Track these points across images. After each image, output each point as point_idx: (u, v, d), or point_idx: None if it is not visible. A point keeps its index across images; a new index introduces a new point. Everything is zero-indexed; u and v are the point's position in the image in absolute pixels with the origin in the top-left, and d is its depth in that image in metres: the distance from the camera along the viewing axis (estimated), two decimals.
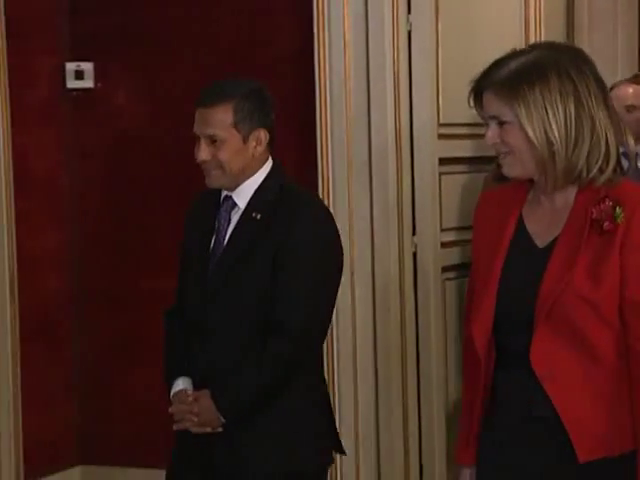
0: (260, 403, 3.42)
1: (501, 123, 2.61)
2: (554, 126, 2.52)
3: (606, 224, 2.55)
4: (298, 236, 3.39)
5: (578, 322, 2.57)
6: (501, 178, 3.08)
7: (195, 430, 3.39)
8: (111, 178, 5.49)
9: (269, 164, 3.45)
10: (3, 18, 5.03)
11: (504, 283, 2.65)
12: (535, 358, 2.59)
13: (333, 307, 3.57)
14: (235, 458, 3.42)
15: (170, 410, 3.40)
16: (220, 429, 3.39)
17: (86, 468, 5.72)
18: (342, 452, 3.63)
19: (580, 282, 2.54)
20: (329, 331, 4.43)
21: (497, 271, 2.66)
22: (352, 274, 4.76)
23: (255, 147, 3.40)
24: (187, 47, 5.23)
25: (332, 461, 3.60)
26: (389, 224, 4.86)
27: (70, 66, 5.36)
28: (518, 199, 2.71)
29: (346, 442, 3.83)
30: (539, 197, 2.66)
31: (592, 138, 2.54)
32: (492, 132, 2.62)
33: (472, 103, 2.67)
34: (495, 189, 2.87)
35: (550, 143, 2.53)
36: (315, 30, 4.83)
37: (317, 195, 4.08)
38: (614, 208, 2.56)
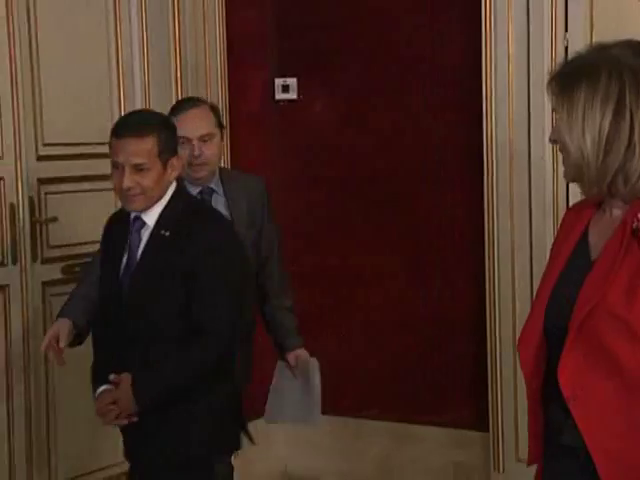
0: (174, 398, 3.39)
1: (558, 117, 2.32)
2: (587, 137, 2.22)
3: None
4: (206, 249, 3.39)
5: (609, 341, 2.21)
6: None
7: (117, 422, 3.41)
8: (308, 174, 5.69)
9: (174, 185, 3.45)
10: (225, 40, 5.35)
11: (554, 297, 2.37)
12: (563, 378, 2.27)
13: (241, 311, 3.53)
14: (145, 445, 3.46)
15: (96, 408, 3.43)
16: (135, 418, 3.39)
17: None
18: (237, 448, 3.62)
19: (614, 298, 2.19)
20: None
21: (551, 284, 2.39)
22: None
23: (171, 173, 3.42)
24: (373, 63, 5.38)
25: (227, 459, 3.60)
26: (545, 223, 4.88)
27: (278, 81, 5.66)
28: (589, 210, 2.40)
29: None
30: (604, 208, 2.35)
31: (628, 148, 2.20)
32: (553, 127, 2.39)
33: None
34: (580, 200, 2.47)
35: (582, 152, 2.24)
36: (482, 46, 4.91)
37: (216, 210, 3.92)
38: None
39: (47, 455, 4.77)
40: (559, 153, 2.33)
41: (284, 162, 5.73)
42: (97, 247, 4.58)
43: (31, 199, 4.69)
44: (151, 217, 3.42)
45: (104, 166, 4.63)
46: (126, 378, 3.34)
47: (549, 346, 2.34)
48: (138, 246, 3.45)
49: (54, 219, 4.78)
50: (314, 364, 4.34)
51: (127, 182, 3.31)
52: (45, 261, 4.78)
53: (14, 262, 4.62)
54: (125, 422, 3.40)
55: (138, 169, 3.31)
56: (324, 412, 4.79)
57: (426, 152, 5.19)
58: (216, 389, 3.50)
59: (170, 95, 5.13)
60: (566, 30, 4.87)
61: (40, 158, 4.75)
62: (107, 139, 4.76)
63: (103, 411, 3.38)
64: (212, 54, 5.31)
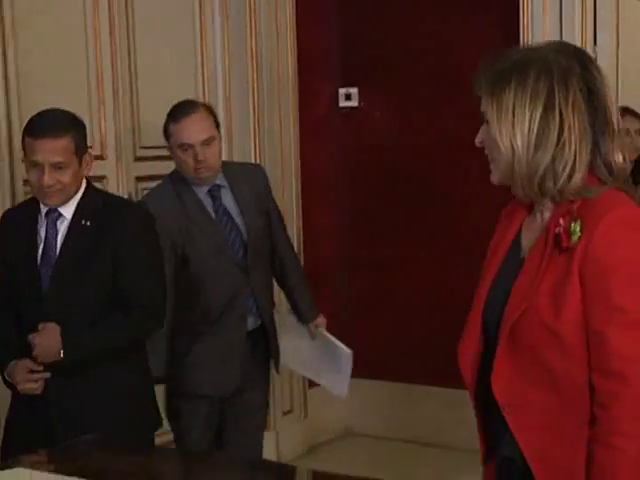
0: (100, 360, 3.28)
1: (485, 120, 2.13)
2: (517, 131, 2.04)
3: (564, 241, 2.02)
4: (131, 233, 3.32)
5: (541, 350, 2.02)
6: None
7: (37, 359, 3.19)
8: (368, 172, 5.78)
9: (84, 180, 3.34)
10: (296, 54, 5.43)
11: (489, 299, 2.17)
12: (496, 385, 2.07)
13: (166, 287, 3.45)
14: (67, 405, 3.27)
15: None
16: (48, 374, 3.21)
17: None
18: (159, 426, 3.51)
19: (542, 306, 2.01)
20: None
21: (487, 285, 2.19)
22: None
23: (85, 168, 3.32)
24: (424, 75, 5.46)
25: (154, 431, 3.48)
26: None
27: (341, 90, 5.76)
28: (522, 211, 2.21)
29: None
30: (535, 210, 2.16)
31: (557, 145, 2.03)
32: (481, 130, 2.17)
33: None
34: (512, 202, 2.25)
35: (513, 148, 2.05)
36: None
37: (132, 201, 3.96)
38: (571, 223, 2.02)
39: None
40: None
41: (346, 161, 5.82)
42: None
43: (129, 194, 4.81)
44: (68, 209, 3.30)
45: None
46: (54, 325, 3.20)
47: (488, 350, 2.12)
48: (56, 237, 3.31)
49: None
50: (347, 354, 4.29)
51: (48, 180, 3.19)
52: None
53: None
54: (38, 386, 3.21)
55: (57, 167, 3.20)
56: (383, 378, 5.03)
57: (472, 153, 5.23)
58: (136, 367, 3.44)
59: (248, 101, 5.28)
60: (595, 43, 4.94)
61: (137, 159, 4.88)
62: None
63: (20, 376, 3.20)
64: (284, 66, 5.38)
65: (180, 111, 3.85)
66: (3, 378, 3.31)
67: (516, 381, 2.04)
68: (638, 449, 1.94)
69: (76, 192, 3.31)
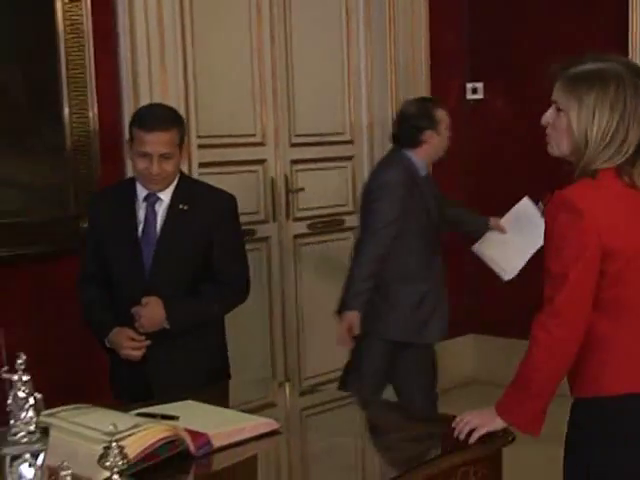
0: (196, 327, 3.35)
1: (558, 109, 2.42)
2: (595, 129, 2.34)
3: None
4: (223, 218, 3.36)
5: None
6: None
7: (141, 329, 3.26)
8: (490, 157, 5.86)
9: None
10: (429, 53, 5.54)
11: None
12: None
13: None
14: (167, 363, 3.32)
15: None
16: (149, 342, 3.27)
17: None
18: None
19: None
20: None
21: None
22: None
23: (182, 158, 3.44)
24: (544, 69, 5.57)
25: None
26: None
27: (469, 85, 5.90)
28: None
29: None
30: None
31: (620, 146, 2.35)
32: (549, 113, 2.46)
33: (551, 84, 2.46)
34: None
35: (586, 138, 2.35)
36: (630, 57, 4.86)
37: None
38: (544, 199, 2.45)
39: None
40: None
41: (472, 148, 5.86)
42: (330, 211, 5.26)
43: (286, 175, 5.06)
44: (166, 194, 3.33)
45: (341, 150, 5.24)
46: (157, 299, 3.27)
47: None
48: (155, 219, 3.34)
49: (302, 189, 5.14)
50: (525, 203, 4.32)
51: (156, 169, 3.24)
52: (295, 219, 5.14)
53: (274, 220, 5.03)
54: (140, 353, 3.28)
55: (164, 157, 3.24)
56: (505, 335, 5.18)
57: None
58: (220, 331, 3.52)
59: (387, 96, 5.38)
60: None
61: (292, 145, 5.09)
62: (342, 130, 5.35)
63: (125, 343, 3.27)
64: (418, 65, 5.49)
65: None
66: (102, 342, 3.35)
67: None
68: (544, 340, 2.37)
69: (174, 179, 3.35)
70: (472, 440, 2.48)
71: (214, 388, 3.24)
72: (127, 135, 3.46)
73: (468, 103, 5.96)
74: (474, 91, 5.93)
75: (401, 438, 2.73)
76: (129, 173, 4.29)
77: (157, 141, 3.23)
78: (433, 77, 5.60)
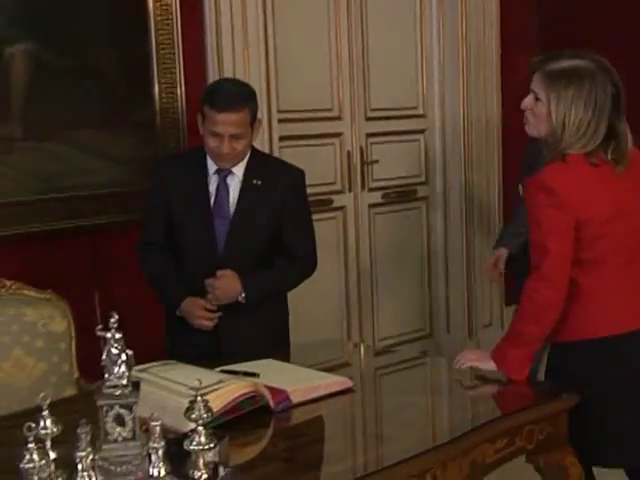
0: (271, 296, 3.31)
1: (536, 98, 2.66)
2: (571, 120, 2.59)
3: None
4: (294, 192, 3.29)
5: None
6: None
7: (215, 301, 3.18)
8: None
9: None
10: (499, 34, 5.44)
11: None
12: None
13: None
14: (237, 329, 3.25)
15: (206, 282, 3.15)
16: (220, 313, 3.20)
17: None
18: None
19: None
20: None
21: None
22: None
23: (255, 135, 3.27)
24: (611, 48, 4.89)
25: None
26: None
27: None
28: None
29: None
30: None
31: (592, 135, 2.60)
32: (528, 100, 2.69)
33: (529, 75, 2.72)
34: None
35: (563, 126, 2.60)
36: None
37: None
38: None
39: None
40: None
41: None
42: (403, 182, 5.24)
43: (361, 147, 5.04)
44: (239, 169, 3.23)
45: (414, 124, 5.20)
46: (232, 272, 3.18)
47: None
48: (227, 193, 3.24)
49: (376, 161, 5.11)
50: None
51: (227, 149, 3.13)
52: (370, 190, 5.13)
53: (350, 190, 5.04)
54: (213, 324, 3.22)
55: (235, 137, 3.12)
56: None
57: None
58: (285, 301, 3.46)
59: (458, 71, 5.31)
60: None
61: (368, 119, 5.07)
62: (415, 104, 5.30)
63: (198, 312, 3.20)
64: (489, 41, 5.40)
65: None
66: (170, 309, 3.28)
67: None
68: (534, 301, 2.65)
69: (245, 155, 3.25)
70: (463, 367, 2.80)
71: (294, 348, 3.29)
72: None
73: None
74: None
75: (470, 397, 2.77)
76: None
77: (228, 122, 3.10)
78: (503, 54, 5.52)
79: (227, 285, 3.18)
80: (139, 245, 3.37)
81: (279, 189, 3.27)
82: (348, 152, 5.03)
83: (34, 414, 1.96)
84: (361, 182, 5.10)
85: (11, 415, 2.69)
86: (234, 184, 3.24)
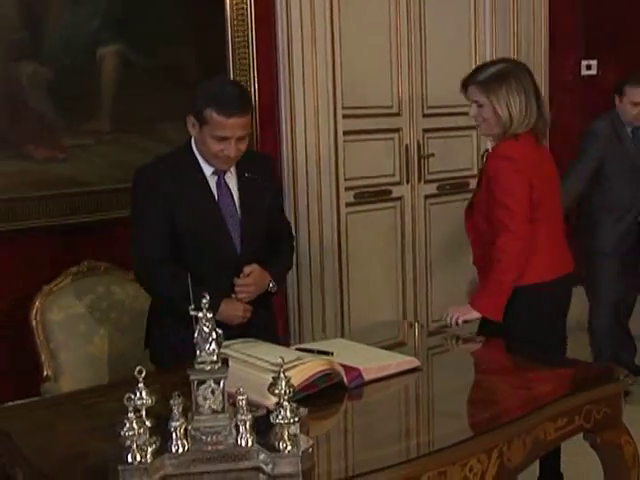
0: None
1: (479, 105, 3.09)
2: (515, 109, 3.03)
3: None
4: (275, 181, 3.31)
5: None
6: None
7: (247, 298, 2.99)
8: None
9: None
10: (547, 32, 5.38)
11: None
12: None
13: None
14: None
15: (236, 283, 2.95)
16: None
17: None
18: None
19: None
20: None
21: None
22: None
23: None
24: None
25: None
26: None
27: (583, 62, 5.70)
28: None
29: None
30: None
31: (529, 117, 3.05)
32: (473, 110, 3.13)
33: (461, 90, 3.16)
34: None
35: (510, 115, 3.04)
36: None
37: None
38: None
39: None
40: None
41: (586, 118, 5.33)
42: (456, 174, 5.17)
43: (418, 142, 4.99)
44: (232, 166, 3.03)
45: (468, 121, 5.00)
46: (258, 267, 3.02)
47: None
48: (229, 190, 3.02)
49: (432, 155, 5.06)
50: None
51: (234, 152, 2.90)
52: (426, 182, 5.08)
53: (407, 182, 4.99)
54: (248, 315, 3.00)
55: (242, 138, 2.90)
56: None
57: None
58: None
59: None
60: None
61: (425, 116, 5.02)
62: (469, 102, 5.29)
63: (241, 312, 2.98)
64: (538, 42, 5.33)
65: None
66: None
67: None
68: (508, 253, 3.02)
69: None
70: (459, 321, 3.11)
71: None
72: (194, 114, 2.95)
73: (582, 79, 5.77)
74: (588, 67, 5.73)
75: (531, 377, 2.70)
76: (284, 141, 4.38)
77: (237, 125, 2.87)
78: (551, 54, 5.46)
79: (259, 279, 3.01)
80: (141, 262, 2.96)
81: (266, 178, 3.14)
82: (406, 146, 5.00)
83: (122, 386, 1.99)
84: (418, 174, 5.07)
85: (100, 386, 2.72)
86: (232, 182, 3.04)
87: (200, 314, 2.04)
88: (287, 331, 4.36)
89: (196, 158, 2.99)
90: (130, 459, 1.94)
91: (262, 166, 3.15)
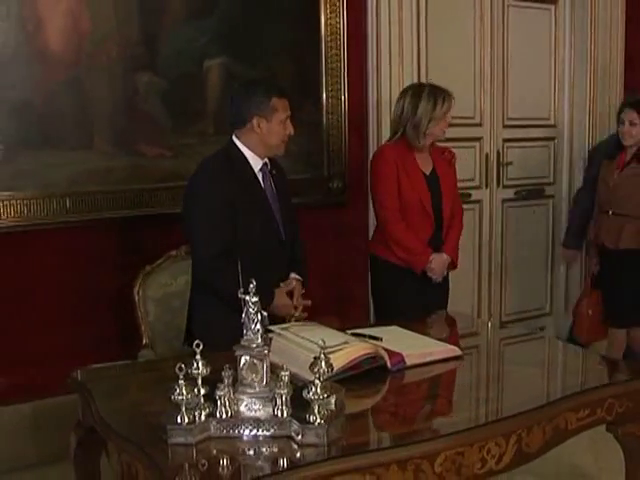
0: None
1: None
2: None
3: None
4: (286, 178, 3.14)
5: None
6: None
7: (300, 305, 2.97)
8: None
9: None
10: (624, 55, 5.09)
11: None
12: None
13: None
14: None
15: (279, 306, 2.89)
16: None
17: None
18: None
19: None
20: None
21: None
22: None
23: None
24: None
25: None
26: None
27: None
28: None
29: None
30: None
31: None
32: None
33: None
34: None
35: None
36: None
37: None
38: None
39: None
40: None
41: None
42: (533, 181, 5.03)
43: (498, 150, 4.90)
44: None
45: (545, 132, 4.98)
46: (295, 276, 3.03)
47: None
48: (271, 185, 2.99)
49: (510, 163, 4.97)
50: None
51: (292, 129, 2.92)
52: (504, 187, 4.97)
53: (486, 187, 4.91)
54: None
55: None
56: None
57: None
58: None
59: (585, 89, 5.07)
60: None
61: (505, 126, 4.91)
62: (547, 115, 5.08)
63: (293, 302, 2.97)
64: (614, 64, 5.09)
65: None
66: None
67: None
68: (393, 237, 3.45)
69: None
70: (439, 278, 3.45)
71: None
72: (257, 111, 2.90)
73: None
74: None
75: (563, 370, 2.65)
76: (371, 146, 4.35)
77: (288, 105, 2.91)
78: (626, 76, 5.24)
79: (299, 286, 3.02)
80: (207, 260, 2.87)
81: (283, 177, 3.11)
82: (486, 154, 4.91)
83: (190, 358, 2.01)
84: (497, 180, 4.96)
85: (173, 356, 2.78)
86: (267, 176, 2.99)
87: (247, 297, 2.06)
88: (368, 318, 4.32)
89: (244, 155, 2.94)
90: (179, 420, 1.98)
91: (280, 169, 3.11)
